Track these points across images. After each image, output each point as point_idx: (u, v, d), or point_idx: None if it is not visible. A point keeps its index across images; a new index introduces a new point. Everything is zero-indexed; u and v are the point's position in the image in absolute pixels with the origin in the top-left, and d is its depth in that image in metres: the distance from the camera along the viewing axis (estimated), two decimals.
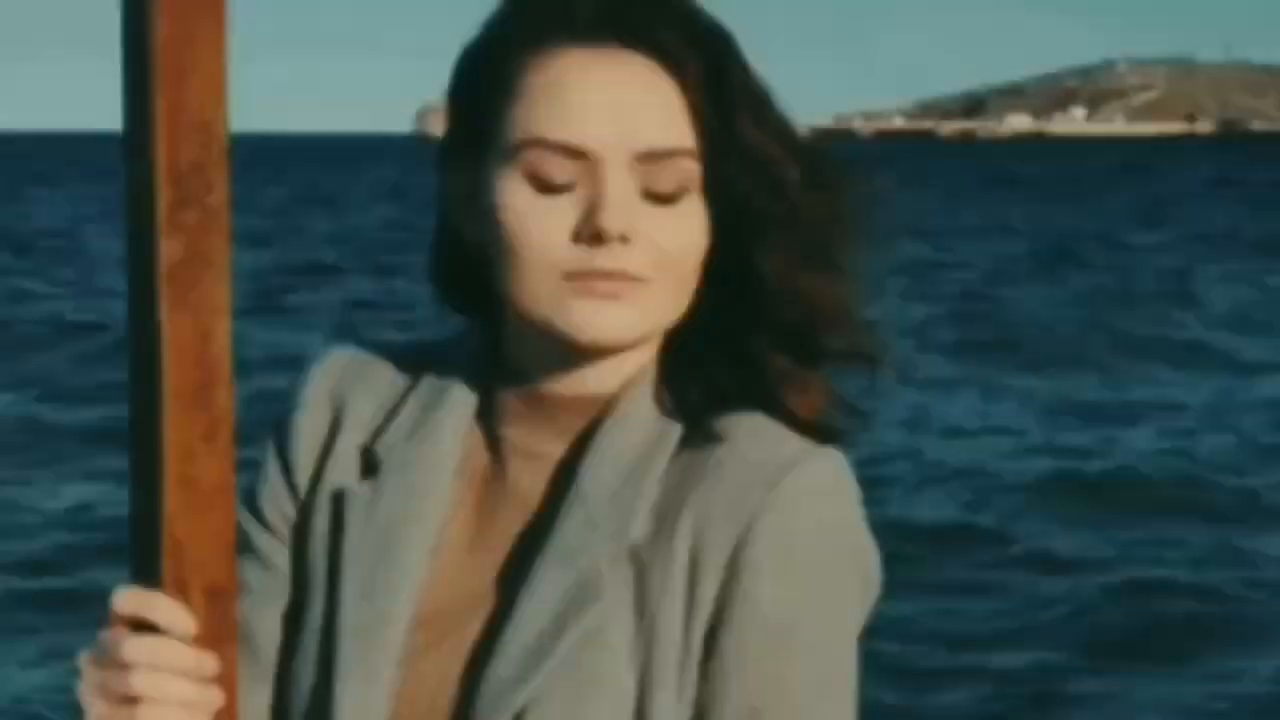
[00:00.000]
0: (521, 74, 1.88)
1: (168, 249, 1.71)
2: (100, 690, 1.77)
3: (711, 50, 1.88)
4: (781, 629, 1.83)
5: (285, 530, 2.00)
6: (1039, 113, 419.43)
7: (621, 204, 1.84)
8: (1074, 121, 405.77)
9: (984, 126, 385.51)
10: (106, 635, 1.78)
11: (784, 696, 1.83)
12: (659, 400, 1.92)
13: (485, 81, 1.91)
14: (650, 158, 1.86)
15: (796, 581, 1.83)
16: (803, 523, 1.84)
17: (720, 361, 1.91)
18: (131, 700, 1.75)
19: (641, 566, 1.85)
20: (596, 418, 1.93)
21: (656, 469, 1.88)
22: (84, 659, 1.79)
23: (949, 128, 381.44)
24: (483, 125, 1.90)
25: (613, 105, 1.85)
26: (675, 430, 1.90)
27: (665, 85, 1.87)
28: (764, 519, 1.83)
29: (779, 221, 1.88)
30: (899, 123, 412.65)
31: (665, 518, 1.86)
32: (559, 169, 1.85)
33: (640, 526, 1.86)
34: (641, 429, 1.90)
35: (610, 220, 1.84)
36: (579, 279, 1.85)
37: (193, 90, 1.70)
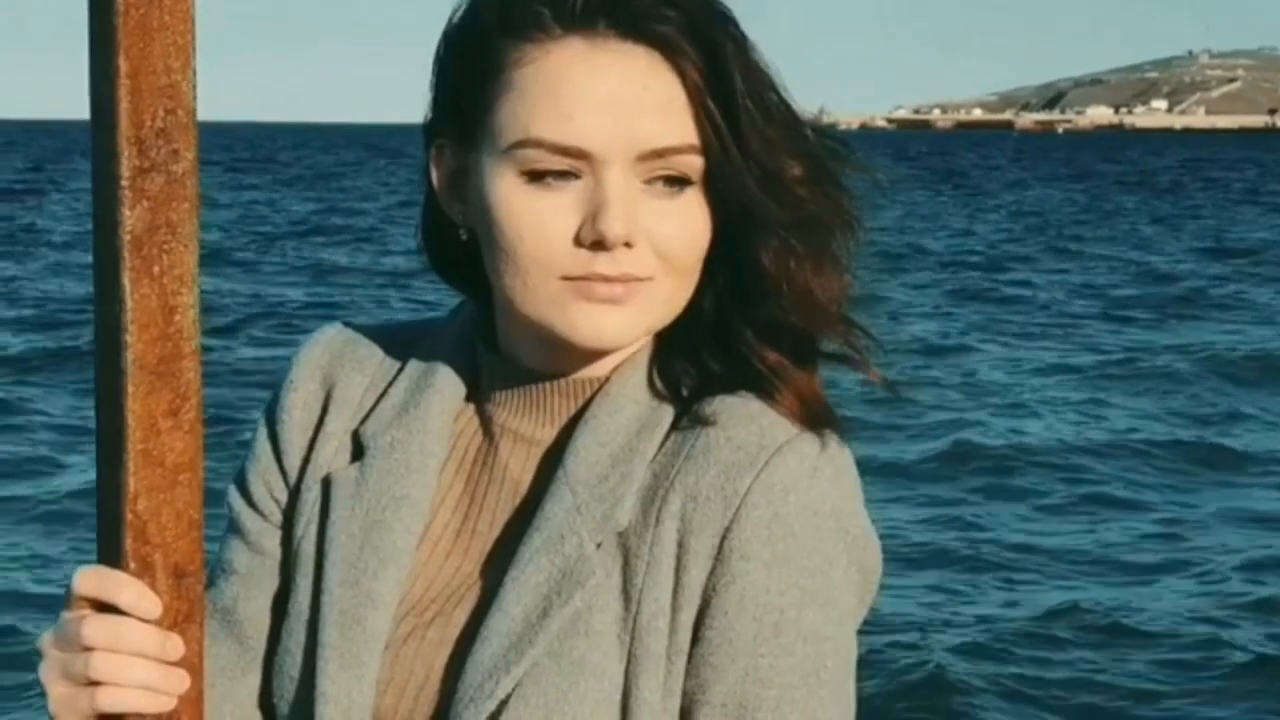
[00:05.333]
0: (516, 65, 1.80)
1: (131, 217, 1.66)
2: (60, 672, 1.72)
3: (712, 39, 1.80)
4: (770, 617, 1.77)
5: (276, 513, 1.96)
6: (1119, 105, 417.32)
7: (624, 207, 1.78)
8: (1155, 114, 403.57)
9: (1063, 118, 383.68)
10: (68, 616, 1.73)
11: (773, 688, 1.77)
12: (651, 383, 1.86)
13: (476, 66, 1.84)
14: (652, 155, 1.79)
15: (785, 568, 1.77)
16: (792, 506, 1.77)
17: (715, 351, 1.85)
18: (92, 683, 1.70)
19: (628, 552, 1.80)
20: (588, 401, 1.87)
21: (646, 452, 1.82)
22: (45, 640, 1.74)
23: (1028, 119, 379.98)
24: (473, 111, 1.84)
25: (613, 105, 1.78)
26: (667, 413, 1.84)
27: (665, 79, 1.79)
28: (752, 502, 1.77)
29: (779, 219, 1.81)
30: (978, 114, 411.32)
31: (653, 501, 1.80)
32: (556, 166, 1.79)
33: (628, 510, 1.80)
34: (631, 412, 1.84)
35: (613, 226, 1.77)
36: (579, 282, 1.79)
37: (157, 52, 1.65)
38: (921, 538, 11.47)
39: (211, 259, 30.93)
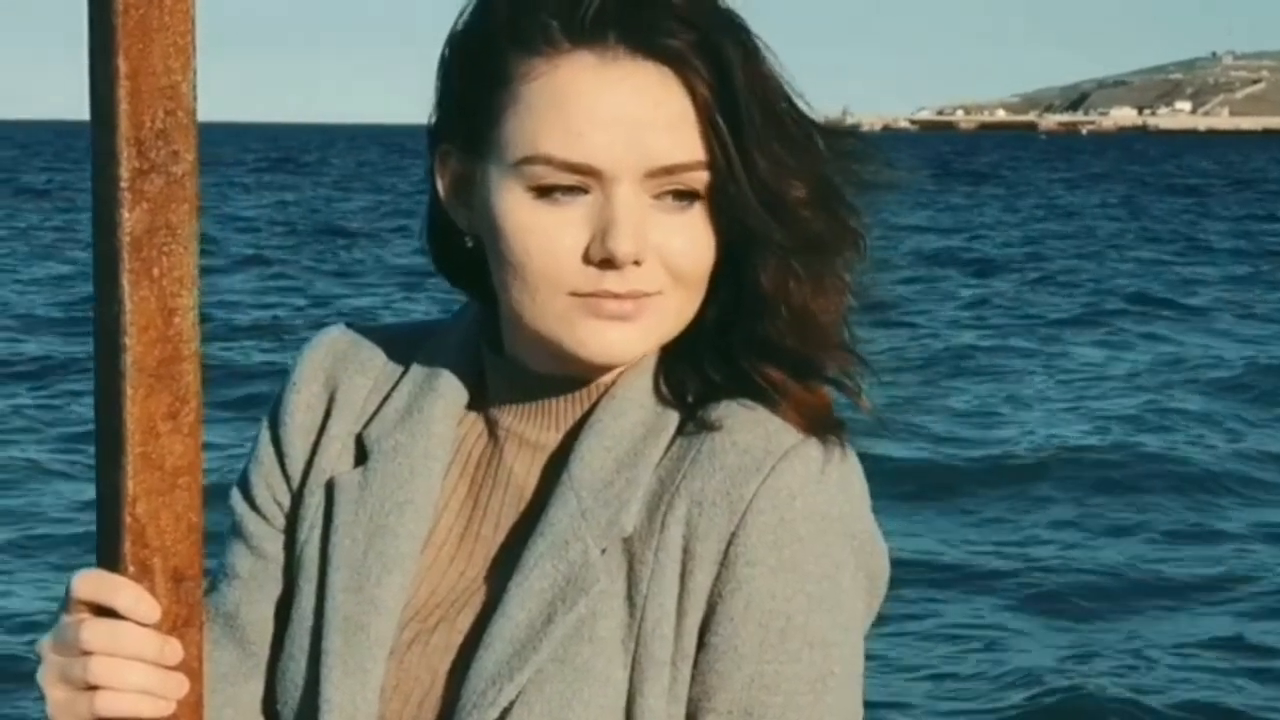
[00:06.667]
0: (524, 78, 1.78)
1: (130, 219, 1.65)
2: (59, 677, 1.71)
3: (722, 53, 1.77)
4: (776, 623, 1.75)
5: (279, 517, 1.94)
6: (1143, 106, 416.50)
7: (633, 225, 1.76)
8: (1178, 115, 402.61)
9: (1087, 120, 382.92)
10: (66, 620, 1.72)
11: (779, 694, 1.76)
12: (657, 389, 1.84)
13: (482, 75, 1.81)
14: (661, 172, 1.77)
15: (792, 574, 1.75)
16: (799, 513, 1.76)
17: (716, 363, 1.84)
18: (90, 688, 1.70)
19: (633, 558, 1.78)
20: (593, 405, 1.86)
21: (651, 456, 1.81)
22: (44, 644, 1.73)
23: (1052, 120, 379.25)
24: (479, 121, 1.81)
25: (623, 122, 1.76)
26: (672, 418, 1.83)
27: (675, 95, 1.77)
28: (758, 507, 1.75)
29: (781, 240, 1.80)
30: (1001, 115, 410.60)
31: (659, 506, 1.79)
32: (565, 182, 1.77)
33: (633, 515, 1.79)
34: (637, 416, 1.83)
35: (622, 244, 1.76)
36: (588, 299, 1.78)
37: (157, 52, 1.64)
38: (993, 553, 11.35)
39: (268, 262, 31.00)
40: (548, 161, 1.76)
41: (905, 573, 10.00)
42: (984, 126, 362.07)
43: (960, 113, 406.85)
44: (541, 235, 1.77)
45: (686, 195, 1.79)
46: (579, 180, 1.77)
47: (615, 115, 1.76)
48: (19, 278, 28.32)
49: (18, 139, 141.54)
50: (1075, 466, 13.90)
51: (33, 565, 10.68)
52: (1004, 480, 13.38)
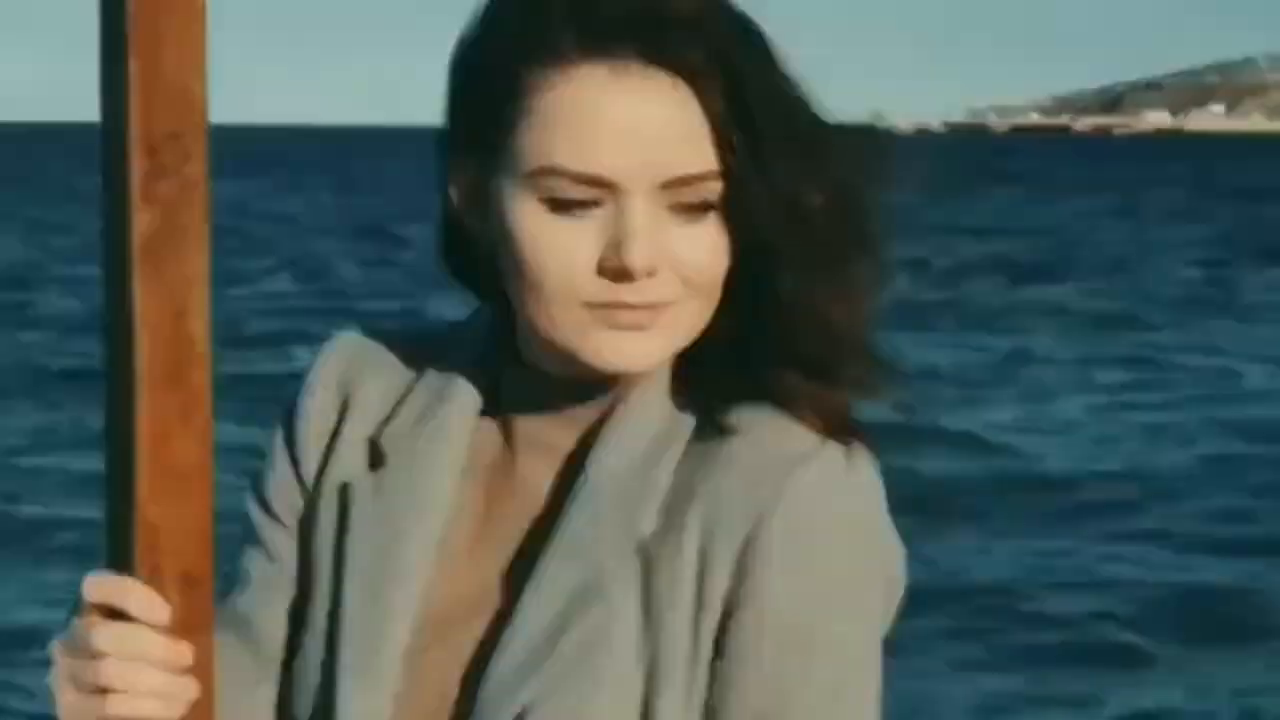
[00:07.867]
0: (535, 90, 1.77)
1: (142, 221, 1.64)
2: (70, 680, 1.71)
3: (737, 62, 1.76)
4: (793, 628, 1.74)
5: (292, 521, 1.94)
6: (1177, 109, 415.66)
7: (648, 237, 1.75)
8: (1213, 118, 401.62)
9: (1120, 122, 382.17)
10: (78, 623, 1.71)
11: (796, 701, 1.75)
12: (673, 393, 1.84)
13: (493, 85, 1.80)
14: (676, 183, 1.76)
15: (810, 578, 1.75)
16: (817, 516, 1.75)
17: (733, 370, 1.83)
18: (101, 691, 1.69)
19: (649, 562, 1.77)
20: (608, 409, 1.85)
21: (668, 461, 1.80)
22: (55, 647, 1.73)
23: (1085, 123, 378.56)
24: (491, 131, 1.80)
25: (636, 133, 1.75)
26: (688, 421, 1.82)
27: (688, 105, 1.76)
28: (776, 512, 1.74)
29: (798, 249, 1.79)
30: (1034, 118, 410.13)
31: (675, 511, 1.78)
32: (578, 195, 1.76)
33: (649, 520, 1.78)
34: (653, 420, 1.82)
35: (637, 256, 1.75)
36: (602, 309, 1.77)
37: (169, 55, 1.63)
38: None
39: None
40: (561, 174, 1.76)
41: (956, 594, 9.97)
42: (1017, 129, 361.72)
43: (992, 115, 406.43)
44: (555, 248, 1.77)
45: (700, 204, 1.78)
46: (592, 193, 1.76)
47: (628, 127, 1.75)
48: (77, 274, 28.42)
49: (65, 140, 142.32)
50: (1135, 480, 13.83)
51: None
52: (1063, 493, 13.29)
